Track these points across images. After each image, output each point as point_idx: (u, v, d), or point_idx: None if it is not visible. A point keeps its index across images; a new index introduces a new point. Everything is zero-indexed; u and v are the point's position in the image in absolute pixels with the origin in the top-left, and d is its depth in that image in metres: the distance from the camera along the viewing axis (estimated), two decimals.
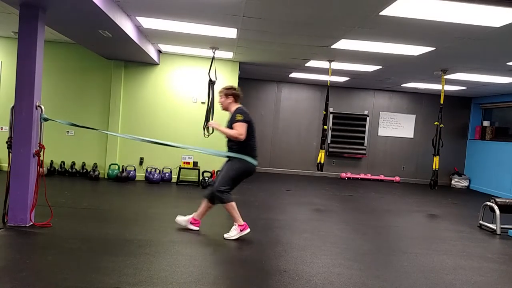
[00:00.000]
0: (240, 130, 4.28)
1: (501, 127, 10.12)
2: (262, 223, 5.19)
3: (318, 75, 8.79)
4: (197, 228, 4.59)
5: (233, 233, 4.35)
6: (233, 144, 4.40)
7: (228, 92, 4.51)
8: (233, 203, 4.38)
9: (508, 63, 6.16)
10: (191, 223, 4.61)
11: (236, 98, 4.54)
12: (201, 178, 7.63)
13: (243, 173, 4.41)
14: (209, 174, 7.71)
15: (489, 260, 4.35)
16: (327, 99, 7.52)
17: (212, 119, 7.08)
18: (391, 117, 10.76)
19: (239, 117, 4.32)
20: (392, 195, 8.49)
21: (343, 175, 10.58)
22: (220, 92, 4.56)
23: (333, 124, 10.54)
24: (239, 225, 4.36)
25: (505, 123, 10.17)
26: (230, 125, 4.40)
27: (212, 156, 7.87)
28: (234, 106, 4.50)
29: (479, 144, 10.40)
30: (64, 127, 7.61)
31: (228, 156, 4.47)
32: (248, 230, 4.40)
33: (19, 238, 3.92)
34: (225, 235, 4.36)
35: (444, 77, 7.24)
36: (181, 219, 4.65)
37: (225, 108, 4.56)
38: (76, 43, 6.89)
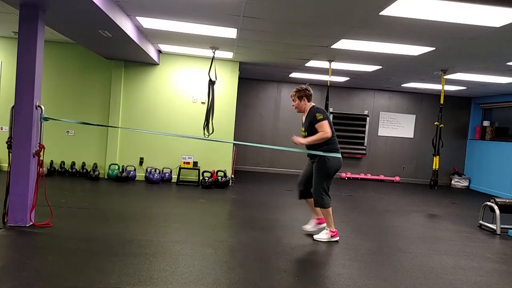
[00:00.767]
0: (325, 129, 4.32)
1: (501, 127, 10.12)
2: (262, 223, 5.19)
3: (318, 75, 8.79)
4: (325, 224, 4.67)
5: (324, 236, 4.47)
6: (314, 146, 4.44)
7: (301, 94, 4.51)
8: (330, 209, 4.46)
9: (508, 63, 6.16)
10: (318, 223, 4.72)
11: (309, 98, 4.55)
12: (201, 178, 7.63)
13: (332, 169, 4.44)
14: (209, 174, 7.71)
15: (489, 260, 4.35)
16: (327, 99, 7.52)
17: (212, 119, 7.08)
18: (391, 117, 10.77)
19: (319, 116, 4.34)
20: (392, 195, 8.49)
21: (343, 175, 10.58)
22: (292, 96, 4.56)
23: (333, 124, 10.50)
24: (330, 231, 4.47)
25: (505, 123, 10.17)
26: (309, 125, 4.44)
27: (212, 156, 7.92)
28: (309, 106, 4.53)
29: (479, 144, 10.40)
30: (64, 127, 7.62)
31: (312, 156, 4.51)
32: (338, 238, 4.51)
33: (19, 238, 3.91)
34: (315, 236, 4.50)
35: (444, 77, 7.24)
36: (309, 227, 4.77)
37: (301, 111, 4.58)
38: (76, 43, 6.89)
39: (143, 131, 5.31)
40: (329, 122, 4.43)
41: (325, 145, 4.40)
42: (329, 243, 4.45)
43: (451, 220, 6.39)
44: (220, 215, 5.80)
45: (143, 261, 3.49)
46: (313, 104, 4.56)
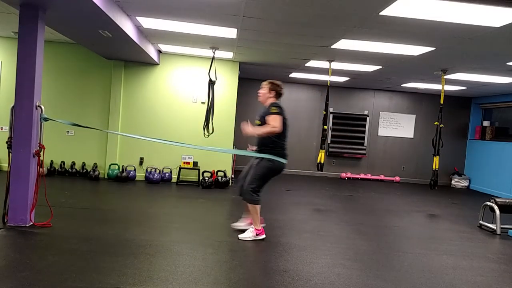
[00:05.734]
0: (275, 123, 4.21)
1: (501, 127, 10.12)
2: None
3: (318, 75, 8.79)
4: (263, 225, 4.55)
5: (249, 235, 4.38)
6: (262, 144, 4.37)
7: (273, 87, 4.47)
8: (258, 207, 4.38)
9: (508, 63, 6.16)
10: (250, 223, 4.55)
11: (278, 95, 4.50)
12: (201, 178, 7.63)
13: (271, 172, 4.37)
14: (209, 174, 7.71)
15: (489, 260, 4.35)
16: (327, 99, 7.52)
17: (212, 119, 7.08)
18: (391, 117, 10.77)
19: (273, 109, 4.26)
20: (392, 195, 8.49)
21: (343, 175, 10.58)
22: (265, 84, 4.49)
23: (333, 124, 10.54)
24: (256, 229, 4.39)
25: (505, 123, 10.17)
26: (263, 116, 4.37)
27: (212, 156, 7.91)
28: (271, 101, 4.46)
29: (479, 144, 10.39)
30: (64, 127, 7.61)
31: (257, 157, 4.43)
32: (264, 236, 4.41)
33: (19, 238, 3.92)
34: (240, 236, 4.39)
35: (444, 77, 7.24)
36: (239, 224, 4.67)
37: (263, 101, 4.52)
38: (76, 43, 6.89)
39: (140, 138, 5.30)
40: (284, 122, 4.32)
41: (273, 146, 4.31)
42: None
43: (451, 220, 6.39)
44: (220, 215, 5.79)
45: (143, 261, 3.49)
46: (277, 101, 4.47)
